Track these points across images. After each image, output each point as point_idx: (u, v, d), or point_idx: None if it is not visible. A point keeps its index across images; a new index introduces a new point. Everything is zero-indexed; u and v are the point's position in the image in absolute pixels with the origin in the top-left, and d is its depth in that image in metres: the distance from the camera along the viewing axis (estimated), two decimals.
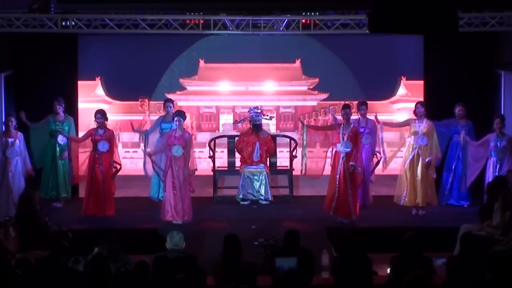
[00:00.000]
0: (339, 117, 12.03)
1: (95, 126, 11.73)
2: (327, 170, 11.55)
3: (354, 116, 12.29)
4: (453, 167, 12.38)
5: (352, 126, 11.28)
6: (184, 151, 11.09)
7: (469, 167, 12.10)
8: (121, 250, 7.75)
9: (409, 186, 11.73)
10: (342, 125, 11.28)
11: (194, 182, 11.32)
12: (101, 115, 11.72)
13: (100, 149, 11.60)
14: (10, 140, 11.68)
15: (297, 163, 13.42)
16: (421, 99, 13.27)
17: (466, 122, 12.25)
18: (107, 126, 11.79)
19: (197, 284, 6.59)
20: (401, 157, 12.42)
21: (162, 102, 13.10)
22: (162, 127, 12.24)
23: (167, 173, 11.11)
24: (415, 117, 11.87)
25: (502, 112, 12.80)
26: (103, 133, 11.65)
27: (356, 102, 12.68)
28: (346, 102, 12.22)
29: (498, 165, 11.84)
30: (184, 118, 11.35)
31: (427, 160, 11.65)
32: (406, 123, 12.05)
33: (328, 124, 13.33)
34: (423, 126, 11.72)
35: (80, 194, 12.74)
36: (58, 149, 12.25)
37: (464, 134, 12.11)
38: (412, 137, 11.79)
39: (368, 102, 12.86)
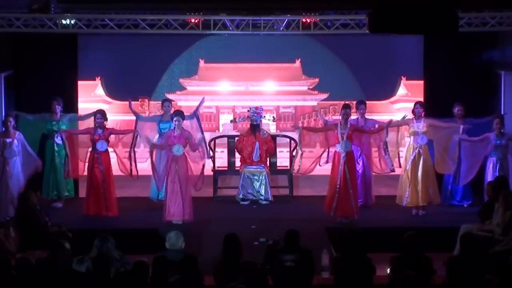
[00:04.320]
0: (328, 118, 12.09)
1: (95, 126, 11.74)
2: (327, 170, 11.52)
3: (353, 116, 12.29)
4: (453, 167, 12.37)
5: (349, 125, 11.27)
6: (184, 150, 11.12)
7: (464, 163, 12.03)
8: (115, 250, 7.72)
9: (411, 186, 11.73)
10: (339, 125, 11.26)
11: (202, 179, 11.31)
12: (101, 115, 11.73)
13: (98, 148, 11.62)
14: (8, 140, 11.67)
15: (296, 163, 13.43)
16: (421, 99, 13.27)
17: (464, 121, 12.25)
18: (106, 126, 11.79)
19: (193, 286, 6.60)
20: (402, 157, 12.43)
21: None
22: (161, 127, 12.24)
23: (168, 173, 11.11)
24: (413, 117, 11.86)
25: (502, 112, 12.81)
26: (101, 133, 11.65)
27: (356, 102, 12.70)
28: (346, 102, 12.21)
29: (498, 165, 11.84)
30: (183, 117, 11.34)
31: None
32: (405, 122, 11.96)
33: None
34: (422, 125, 11.73)
35: (80, 194, 12.75)
36: (56, 148, 12.25)
37: (462, 130, 12.02)
38: (412, 137, 11.79)
39: (368, 102, 12.88)
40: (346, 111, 11.28)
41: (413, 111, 11.85)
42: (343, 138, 11.13)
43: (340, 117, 11.38)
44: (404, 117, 12.06)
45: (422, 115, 11.81)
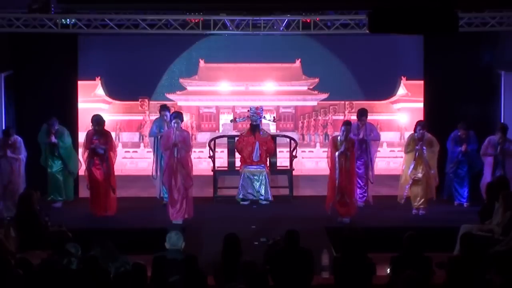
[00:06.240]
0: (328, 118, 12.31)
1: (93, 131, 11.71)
2: (328, 170, 11.52)
3: (352, 116, 12.29)
4: (452, 169, 12.38)
5: (349, 140, 11.25)
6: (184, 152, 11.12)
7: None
8: (116, 251, 7.74)
9: (410, 186, 11.74)
10: (339, 139, 11.25)
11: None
12: (96, 123, 11.62)
13: (98, 151, 11.59)
14: (9, 151, 11.79)
15: (297, 163, 13.45)
16: (421, 99, 13.29)
17: (469, 138, 12.19)
18: (104, 129, 11.74)
19: (196, 286, 6.61)
20: (401, 157, 12.44)
21: (163, 102, 13.14)
22: (162, 131, 12.22)
23: (170, 173, 11.10)
24: (412, 132, 11.83)
25: (502, 112, 12.80)
26: (99, 139, 11.59)
27: (356, 102, 12.70)
28: (348, 120, 12.24)
29: (498, 165, 11.83)
30: (182, 119, 11.33)
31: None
32: (412, 141, 11.83)
33: (328, 125, 13.51)
34: (425, 139, 11.68)
35: (80, 194, 12.75)
36: (51, 149, 12.25)
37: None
38: (416, 153, 11.70)
39: (368, 102, 12.89)
40: (347, 128, 11.25)
41: (415, 130, 11.79)
42: (345, 153, 11.12)
43: (341, 134, 11.30)
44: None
45: (424, 135, 11.72)
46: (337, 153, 11.16)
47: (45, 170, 12.30)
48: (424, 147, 11.64)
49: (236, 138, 13.03)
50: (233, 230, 7.84)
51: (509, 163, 11.85)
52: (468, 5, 10.92)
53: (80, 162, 12.18)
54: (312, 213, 11.72)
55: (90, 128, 11.78)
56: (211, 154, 13.08)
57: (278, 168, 13.17)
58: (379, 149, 13.03)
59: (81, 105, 13.54)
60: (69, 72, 13.35)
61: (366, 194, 12.33)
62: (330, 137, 12.14)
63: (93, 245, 7.76)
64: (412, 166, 11.69)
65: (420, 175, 11.68)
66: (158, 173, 12.23)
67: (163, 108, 12.59)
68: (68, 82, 13.33)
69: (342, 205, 11.19)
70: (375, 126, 12.75)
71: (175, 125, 11.07)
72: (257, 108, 12.97)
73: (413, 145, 11.70)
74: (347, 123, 11.42)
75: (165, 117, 12.25)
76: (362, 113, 12.34)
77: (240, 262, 7.15)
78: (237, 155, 13.00)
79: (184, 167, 11.08)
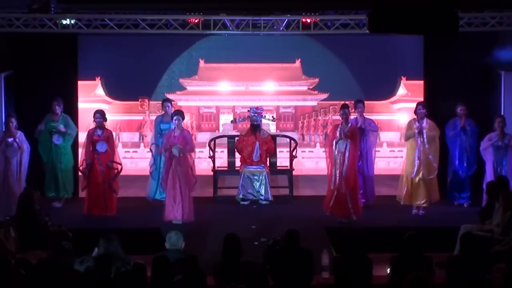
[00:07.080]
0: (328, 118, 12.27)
1: (94, 126, 11.71)
2: (326, 170, 11.51)
3: (352, 115, 12.29)
4: (455, 167, 12.38)
5: (350, 125, 11.23)
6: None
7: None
8: (121, 250, 7.73)
9: (411, 186, 11.69)
10: (340, 125, 11.22)
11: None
12: (100, 115, 11.68)
13: (98, 149, 11.59)
14: (9, 140, 11.70)
15: (297, 163, 13.45)
16: (421, 99, 13.26)
17: (468, 122, 12.22)
18: (106, 126, 11.77)
19: (196, 286, 6.61)
20: (401, 157, 12.43)
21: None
22: (161, 127, 12.20)
23: (168, 173, 11.09)
24: (414, 117, 11.79)
25: (502, 112, 12.81)
26: (101, 134, 11.61)
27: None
28: (345, 102, 12.20)
29: (498, 165, 11.83)
30: (183, 117, 11.33)
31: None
32: (410, 127, 11.85)
33: (328, 125, 13.62)
34: (425, 124, 11.63)
35: (80, 194, 12.74)
36: (54, 148, 12.23)
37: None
38: (414, 138, 11.64)
39: (368, 102, 12.87)
40: (344, 111, 11.22)
41: (415, 112, 11.76)
42: (341, 137, 11.07)
43: (340, 118, 11.33)
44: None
45: (425, 116, 11.68)
46: (335, 140, 11.06)
47: (44, 169, 12.30)
48: (424, 130, 11.56)
49: (236, 138, 13.03)
50: (233, 230, 7.84)
51: (509, 162, 11.86)
52: (468, 5, 10.92)
53: (79, 161, 12.18)
54: (312, 213, 11.70)
55: (91, 126, 11.78)
56: (211, 154, 13.08)
57: (278, 168, 13.17)
58: (378, 149, 13.03)
59: (81, 105, 13.54)
60: (69, 72, 13.35)
61: (365, 195, 12.25)
62: (333, 125, 12.03)
63: (99, 242, 7.73)
64: (416, 166, 11.64)
65: (421, 174, 11.64)
66: (153, 172, 12.21)
67: (165, 99, 12.62)
68: (68, 82, 13.33)
69: (339, 205, 11.10)
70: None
71: (176, 121, 11.07)
72: (257, 108, 12.97)
73: (414, 129, 11.63)
74: (344, 106, 11.33)
75: (167, 108, 12.25)
76: (358, 101, 12.31)
77: (240, 262, 7.15)
78: (237, 155, 13.00)
79: (184, 167, 11.06)
